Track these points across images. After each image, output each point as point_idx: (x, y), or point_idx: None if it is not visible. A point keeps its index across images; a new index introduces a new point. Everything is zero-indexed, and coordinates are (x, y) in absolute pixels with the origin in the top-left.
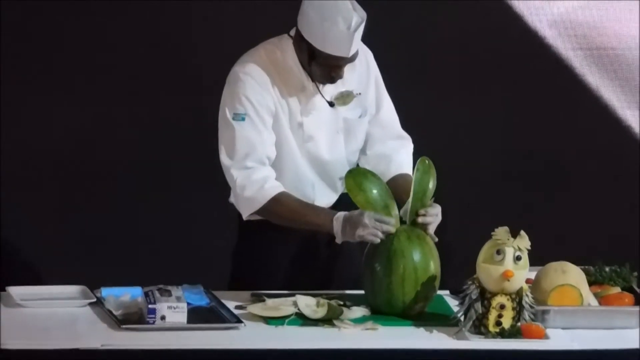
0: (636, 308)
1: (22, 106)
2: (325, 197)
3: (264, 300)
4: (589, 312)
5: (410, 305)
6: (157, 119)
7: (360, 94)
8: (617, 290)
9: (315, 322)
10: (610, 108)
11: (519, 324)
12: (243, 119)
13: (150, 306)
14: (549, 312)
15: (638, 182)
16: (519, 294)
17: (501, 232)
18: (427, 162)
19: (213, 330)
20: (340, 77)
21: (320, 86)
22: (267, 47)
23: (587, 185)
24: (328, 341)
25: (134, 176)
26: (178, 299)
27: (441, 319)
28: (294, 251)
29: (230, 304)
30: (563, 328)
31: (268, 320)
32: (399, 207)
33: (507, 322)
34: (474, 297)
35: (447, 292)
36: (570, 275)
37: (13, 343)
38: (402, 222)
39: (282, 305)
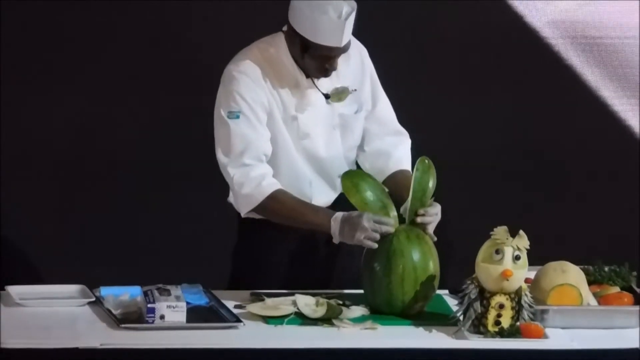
0: (635, 307)
1: (22, 106)
2: (323, 195)
3: (263, 300)
4: (588, 312)
5: (409, 305)
6: (156, 119)
7: (355, 90)
8: (616, 289)
9: (314, 321)
10: (610, 107)
11: (518, 323)
12: (238, 117)
13: (149, 305)
14: (548, 312)
15: (638, 181)
16: (518, 293)
17: (500, 232)
18: (426, 161)
19: (212, 330)
20: (334, 69)
21: (315, 81)
22: (261, 45)
23: (587, 185)
24: (327, 340)
25: (133, 176)
26: (177, 298)
27: (440, 319)
28: (293, 250)
29: (230, 303)
30: (562, 327)
31: (267, 319)
32: (399, 204)
33: (506, 322)
34: (473, 296)
35: (447, 291)
36: (569, 274)
37: (12, 342)
38: (401, 220)
39: (282, 304)
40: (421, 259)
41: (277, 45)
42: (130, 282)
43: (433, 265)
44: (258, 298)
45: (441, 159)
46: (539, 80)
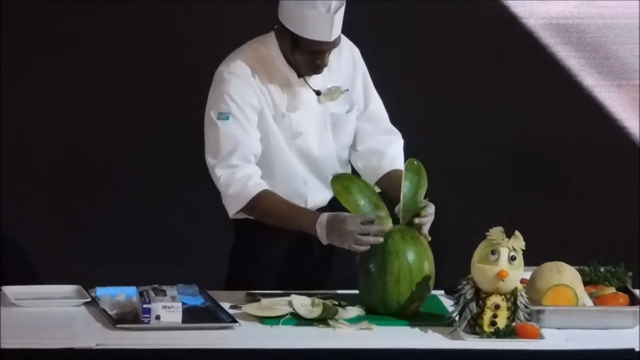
0: (631, 308)
1: (22, 106)
2: (318, 194)
3: (259, 300)
4: (584, 312)
5: (405, 305)
6: (155, 120)
7: (347, 89)
8: (612, 290)
9: (310, 321)
10: (608, 107)
11: (513, 323)
12: (227, 118)
13: (145, 306)
14: (544, 312)
15: (637, 182)
16: (513, 294)
17: (496, 232)
18: (415, 163)
19: (208, 330)
20: (325, 65)
21: (307, 80)
22: (252, 45)
23: (583, 185)
24: (323, 341)
25: (129, 176)
26: (173, 298)
27: (436, 319)
28: (289, 250)
29: (225, 304)
30: (558, 328)
31: (263, 319)
32: (394, 203)
33: (502, 322)
34: (468, 297)
35: (442, 292)
36: (565, 275)
37: (8, 342)
38: (395, 221)
39: (277, 305)
40: (416, 259)
41: (268, 45)
42: (126, 283)
43: (428, 266)
44: (254, 298)
45: (437, 159)
46: (536, 79)
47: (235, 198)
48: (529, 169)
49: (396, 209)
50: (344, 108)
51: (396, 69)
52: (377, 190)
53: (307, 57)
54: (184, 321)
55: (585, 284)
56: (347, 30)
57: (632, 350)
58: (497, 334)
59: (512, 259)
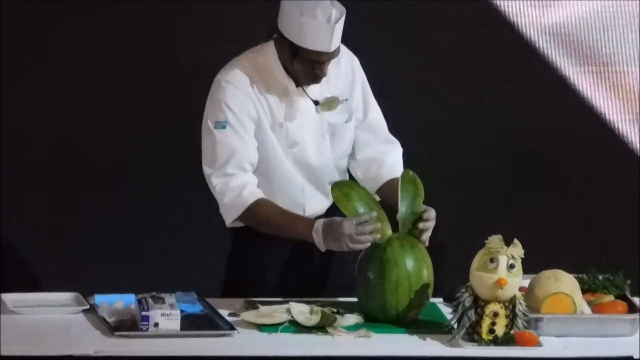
0: (629, 316)
1: (22, 106)
2: (316, 203)
3: (257, 308)
4: (582, 320)
5: (403, 313)
6: (155, 123)
7: (346, 99)
8: (610, 298)
9: (308, 329)
10: (606, 115)
11: (512, 331)
12: (224, 127)
13: (143, 313)
14: (542, 320)
15: (637, 182)
16: (512, 301)
17: (495, 241)
18: (410, 173)
19: (206, 338)
20: (324, 74)
21: (305, 89)
22: (250, 55)
23: (582, 186)
24: (321, 348)
25: (128, 183)
26: (171, 306)
27: (434, 327)
28: (287, 257)
29: (224, 311)
30: (556, 336)
31: (261, 327)
32: (395, 211)
33: (500, 330)
34: (467, 304)
35: (441, 299)
36: (563, 283)
37: (7, 350)
38: (397, 228)
39: (276, 312)
40: (415, 267)
41: (266, 54)
42: (125, 290)
43: (427, 273)
44: (252, 306)
45: (436, 165)
46: (536, 82)
47: (230, 207)
48: (530, 177)
49: (398, 216)
50: (342, 118)
51: (394, 75)
52: (377, 199)
53: (306, 66)
54: (182, 329)
55: (584, 291)
56: (345, 35)
57: (631, 358)
58: (496, 341)
59: (511, 267)
